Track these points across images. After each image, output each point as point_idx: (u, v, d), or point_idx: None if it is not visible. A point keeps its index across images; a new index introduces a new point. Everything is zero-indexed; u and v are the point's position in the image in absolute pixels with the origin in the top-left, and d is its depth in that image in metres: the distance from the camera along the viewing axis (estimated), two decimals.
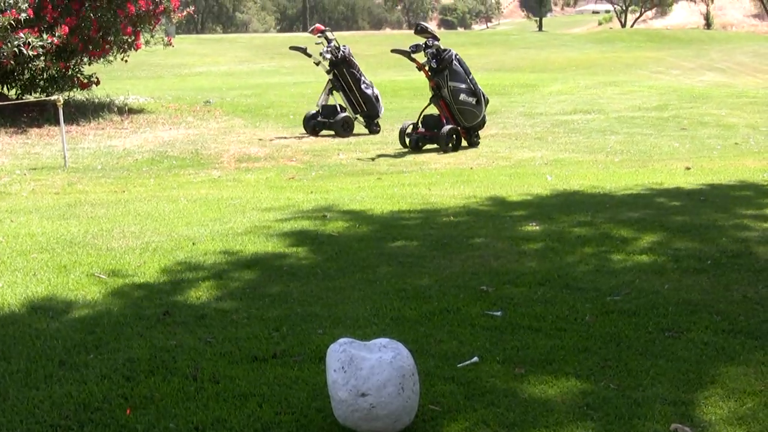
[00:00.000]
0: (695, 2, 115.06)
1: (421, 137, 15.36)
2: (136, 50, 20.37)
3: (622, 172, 11.85)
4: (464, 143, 15.74)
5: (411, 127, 15.56)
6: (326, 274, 6.06)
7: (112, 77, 26.14)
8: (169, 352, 4.55)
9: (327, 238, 7.22)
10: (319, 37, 17.89)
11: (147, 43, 20.62)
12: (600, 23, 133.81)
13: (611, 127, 18.47)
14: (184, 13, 21.47)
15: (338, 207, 8.81)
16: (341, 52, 17.42)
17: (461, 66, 15.55)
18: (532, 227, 7.44)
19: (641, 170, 12.00)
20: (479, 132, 16.15)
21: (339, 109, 17.44)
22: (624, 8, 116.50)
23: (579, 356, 4.39)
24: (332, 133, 17.48)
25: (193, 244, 7.05)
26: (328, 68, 17.49)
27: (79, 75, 19.53)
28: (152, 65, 37.66)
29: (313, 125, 17.43)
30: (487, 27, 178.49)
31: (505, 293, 5.48)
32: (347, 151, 15.56)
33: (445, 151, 15.01)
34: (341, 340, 3.62)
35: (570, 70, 36.99)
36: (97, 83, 19.72)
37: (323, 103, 17.64)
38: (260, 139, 16.98)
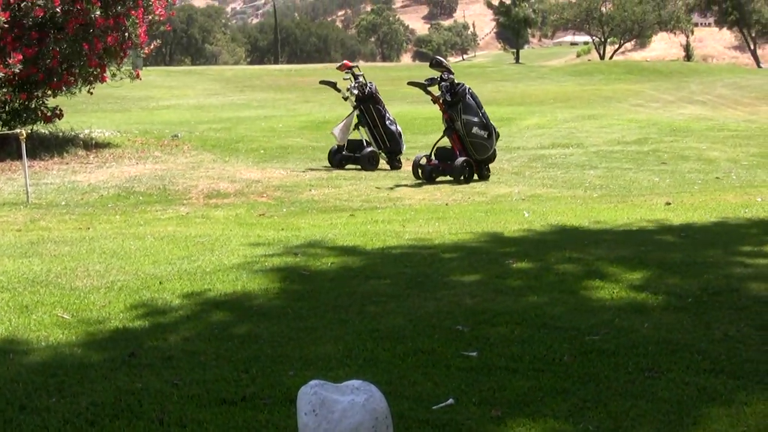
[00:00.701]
0: (675, 34, 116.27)
1: (434, 169, 15.92)
2: (102, 83, 20.30)
3: (601, 207, 11.91)
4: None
5: (424, 159, 16.05)
6: (297, 313, 6.06)
7: (76, 110, 26.08)
8: (134, 395, 4.52)
9: (298, 276, 7.22)
10: (346, 73, 18.60)
11: (114, 75, 20.57)
12: (578, 55, 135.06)
13: (590, 161, 18.60)
14: (152, 46, 21.48)
15: (310, 245, 8.80)
16: (368, 88, 18.15)
17: (474, 100, 16.20)
18: (509, 265, 7.47)
19: (620, 206, 12.07)
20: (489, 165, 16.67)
21: (365, 143, 18.09)
22: (603, 40, 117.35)
23: (557, 398, 4.40)
24: (300, 170, 17.54)
25: (160, 283, 7.03)
26: (355, 104, 18.16)
27: (42, 108, 19.43)
28: (118, 98, 37.63)
29: (339, 159, 18.00)
30: (463, 59, 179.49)
31: (481, 333, 5.48)
32: (319, 187, 15.59)
33: (458, 183, 15.55)
34: (312, 382, 3.61)
35: (548, 103, 37.24)
36: (60, 116, 19.57)
37: (341, 136, 18.07)
38: (230, 175, 16.98)
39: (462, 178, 15.72)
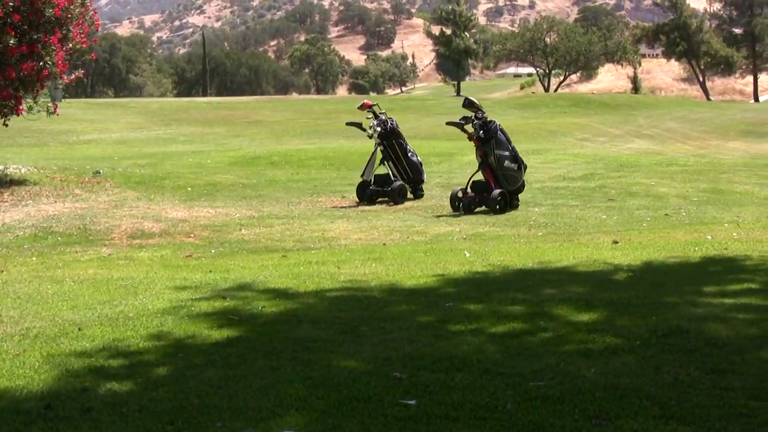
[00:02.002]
0: (622, 65, 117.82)
1: (472, 201, 17.38)
2: (18, 115, 20.11)
3: (546, 246, 12.00)
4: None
5: (460, 192, 17.49)
6: (226, 360, 6.02)
7: None
8: None
9: (227, 321, 7.18)
10: (368, 112, 20.09)
11: (30, 109, 20.34)
12: (522, 87, 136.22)
13: (534, 198, 18.74)
14: (73, 77, 21.33)
15: (240, 288, 8.76)
16: (389, 124, 19.69)
17: (504, 135, 17.69)
18: (449, 308, 7.49)
19: (566, 244, 12.17)
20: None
21: (392, 177, 19.45)
22: (547, 71, 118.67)
23: None
24: (230, 208, 17.52)
25: (80, 329, 6.96)
26: (379, 141, 19.55)
27: None
28: (36, 131, 37.29)
29: (370, 194, 19.11)
30: (402, 91, 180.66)
31: (419, 380, 5.48)
32: (250, 226, 15.55)
33: (495, 213, 16.82)
34: None
35: None
36: None
37: (367, 172, 19.38)
38: (155, 214, 16.87)
39: (497, 207, 16.99)
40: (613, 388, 5.25)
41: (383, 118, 19.80)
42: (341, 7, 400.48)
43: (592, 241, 12.45)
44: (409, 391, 5.27)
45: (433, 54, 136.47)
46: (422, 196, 19.63)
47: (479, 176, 17.69)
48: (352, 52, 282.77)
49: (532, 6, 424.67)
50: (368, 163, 19.53)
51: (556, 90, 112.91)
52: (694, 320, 6.84)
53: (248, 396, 5.26)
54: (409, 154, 19.72)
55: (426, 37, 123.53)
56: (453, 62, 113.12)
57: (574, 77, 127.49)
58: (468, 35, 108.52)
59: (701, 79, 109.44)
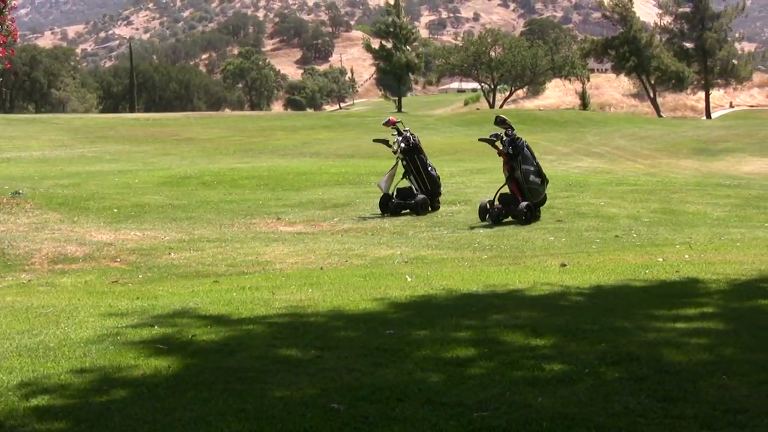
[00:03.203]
0: (570, 81, 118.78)
1: (500, 213, 18.91)
2: None
3: (491, 270, 12.05)
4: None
5: (488, 204, 19.02)
6: (153, 392, 5.97)
7: None
8: None
9: (155, 351, 7.12)
10: (393, 128, 21.73)
11: None
12: (466, 103, 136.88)
13: (478, 219, 18.81)
14: None
15: (169, 315, 8.70)
16: (412, 141, 21.47)
17: (529, 151, 19.59)
18: (390, 335, 7.48)
19: (512, 268, 12.23)
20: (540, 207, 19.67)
21: (414, 190, 21.09)
22: (492, 87, 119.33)
23: None
24: (159, 231, 17.45)
25: None
26: (401, 156, 21.33)
27: None
28: None
29: (394, 207, 20.82)
30: (341, 107, 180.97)
31: (358, 411, 5.47)
32: (180, 250, 15.47)
33: (521, 223, 18.40)
34: None
35: (432, 155, 37.52)
36: None
37: (386, 186, 21.10)
38: (79, 237, 16.73)
39: (524, 218, 18.58)
40: (561, 417, 5.27)
41: (407, 134, 21.57)
42: (276, 19, 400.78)
43: (540, 264, 12.52)
44: (347, 423, 5.26)
45: (373, 68, 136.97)
46: (438, 208, 21.23)
47: (505, 189, 19.35)
48: (288, 66, 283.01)
49: (476, 18, 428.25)
50: (387, 176, 21.31)
51: (501, 106, 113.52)
52: (645, 346, 6.89)
53: (177, 430, 5.22)
54: (429, 168, 21.44)
55: (365, 51, 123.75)
56: (394, 77, 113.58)
57: (520, 93, 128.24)
58: (409, 49, 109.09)
59: (652, 94, 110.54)
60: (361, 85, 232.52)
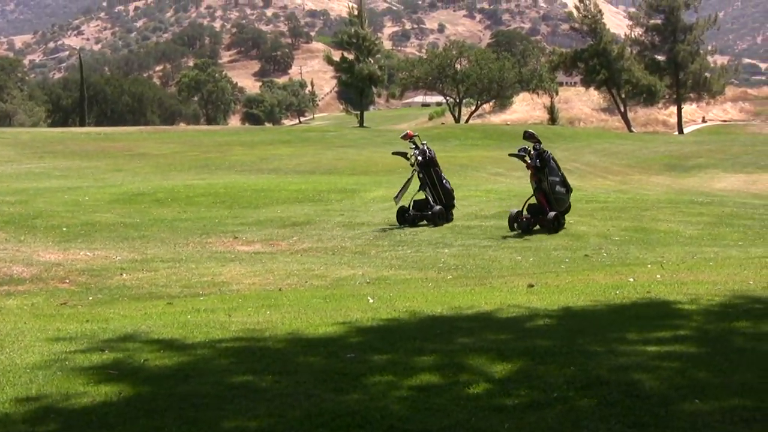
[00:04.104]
0: (538, 94, 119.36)
1: (529, 222, 20.32)
2: None
3: (456, 291, 12.05)
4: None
5: (517, 213, 20.40)
6: (103, 420, 5.94)
7: None
8: None
9: (105, 377, 7.08)
10: (410, 142, 22.85)
11: None
12: (431, 117, 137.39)
13: (444, 238, 18.88)
14: None
15: (120, 339, 8.65)
16: (428, 155, 22.55)
17: (555, 163, 21.15)
18: (351, 359, 7.47)
19: (478, 288, 12.24)
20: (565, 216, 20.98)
21: (431, 202, 22.09)
22: (458, 101, 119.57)
23: None
24: (110, 251, 17.38)
25: None
26: (418, 169, 22.41)
27: None
28: None
29: (412, 218, 21.92)
30: (300, 122, 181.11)
31: None
32: (132, 270, 15.40)
33: (550, 232, 19.86)
34: None
35: (396, 172, 37.60)
36: None
37: (400, 198, 22.08)
38: (25, 257, 16.62)
39: (552, 227, 19.98)
40: None
41: (423, 148, 22.69)
42: (234, 30, 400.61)
43: (506, 285, 12.54)
44: None
45: (335, 81, 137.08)
46: (452, 219, 22.26)
47: (533, 200, 20.71)
48: (245, 78, 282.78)
49: (441, 30, 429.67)
50: (402, 188, 22.33)
51: (467, 121, 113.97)
52: (615, 370, 6.91)
53: None
54: (444, 181, 22.55)
55: (326, 63, 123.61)
56: (356, 90, 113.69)
57: (486, 107, 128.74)
58: (372, 61, 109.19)
59: (622, 109, 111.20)
60: (322, 98, 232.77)
